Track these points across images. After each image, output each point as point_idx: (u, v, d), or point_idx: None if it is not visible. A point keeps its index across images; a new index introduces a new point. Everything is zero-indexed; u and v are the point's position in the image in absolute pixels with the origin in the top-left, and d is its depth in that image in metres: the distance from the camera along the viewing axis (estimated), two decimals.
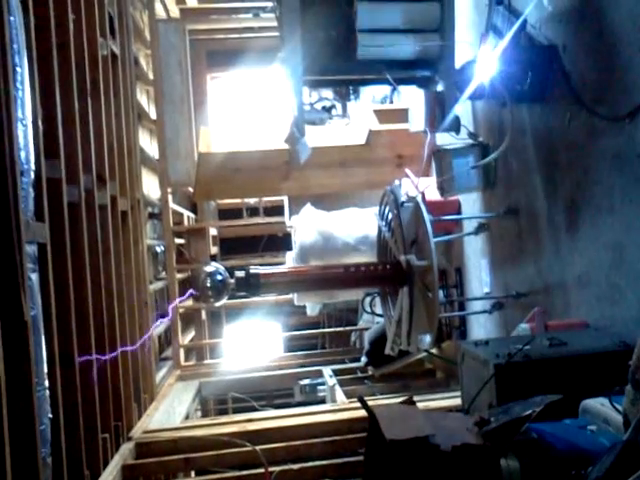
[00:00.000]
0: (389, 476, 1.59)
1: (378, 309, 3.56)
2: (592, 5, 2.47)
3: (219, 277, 2.98)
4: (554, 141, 2.83)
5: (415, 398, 1.90)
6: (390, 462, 1.56)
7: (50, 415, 2.33)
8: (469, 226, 3.85)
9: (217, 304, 3.17)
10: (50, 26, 2.64)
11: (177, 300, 5.06)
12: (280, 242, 6.58)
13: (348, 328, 6.14)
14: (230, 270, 3.09)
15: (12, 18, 2.18)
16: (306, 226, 4.64)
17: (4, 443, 1.92)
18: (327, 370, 4.70)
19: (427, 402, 3.47)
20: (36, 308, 2.27)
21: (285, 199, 5.52)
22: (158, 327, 5.13)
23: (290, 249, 4.87)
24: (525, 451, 1.54)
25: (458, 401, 2.70)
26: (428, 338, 3.14)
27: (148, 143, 6.11)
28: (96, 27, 3.39)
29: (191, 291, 4.77)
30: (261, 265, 3.21)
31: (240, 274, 2.97)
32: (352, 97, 6.75)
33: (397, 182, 3.47)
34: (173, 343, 5.33)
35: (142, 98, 5.90)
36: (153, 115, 5.68)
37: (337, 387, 4.22)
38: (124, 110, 3.97)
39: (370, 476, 1.79)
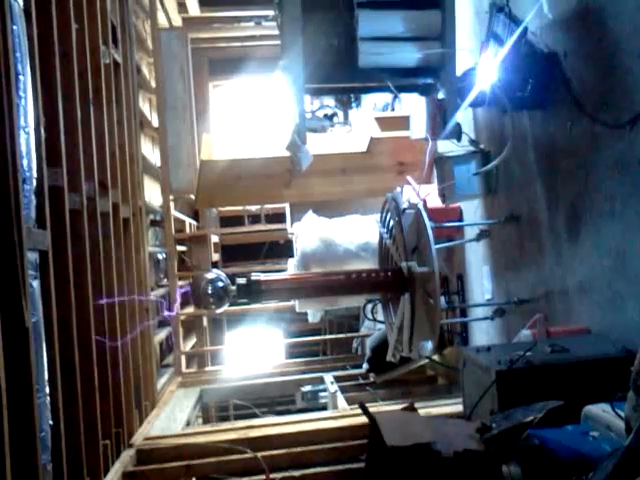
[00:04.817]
0: None
1: (379, 316, 3.55)
2: (592, 12, 2.48)
3: (220, 284, 2.98)
4: (555, 148, 2.83)
5: (416, 405, 1.91)
6: (391, 469, 1.56)
7: (51, 422, 2.33)
8: (471, 233, 3.85)
9: (218, 311, 3.16)
10: (53, 35, 2.66)
11: (177, 304, 5.01)
12: (282, 249, 6.59)
13: (349, 335, 6.13)
14: (231, 277, 3.09)
15: (15, 27, 2.19)
16: (308, 233, 4.64)
17: (4, 449, 1.91)
18: (328, 377, 4.69)
19: (428, 409, 3.45)
20: (37, 315, 2.27)
21: (287, 206, 5.53)
22: (159, 334, 5.13)
23: (292, 256, 4.87)
24: (527, 457, 1.54)
25: (460, 408, 2.70)
26: (430, 345, 3.14)
27: (150, 151, 6.13)
28: (99, 36, 3.40)
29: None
30: (263, 272, 3.21)
31: (241, 281, 2.97)
32: (353, 105, 6.77)
33: (398, 189, 3.47)
34: (174, 350, 5.32)
35: (144, 106, 5.92)
36: (155, 123, 5.69)
37: (339, 394, 4.21)
38: (126, 118, 3.99)
39: None
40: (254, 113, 7.83)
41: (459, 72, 3.13)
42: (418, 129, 3.75)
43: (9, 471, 1.92)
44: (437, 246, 2.89)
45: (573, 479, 1.37)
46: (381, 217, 3.28)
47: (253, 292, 2.98)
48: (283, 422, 3.68)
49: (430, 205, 3.73)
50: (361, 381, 4.73)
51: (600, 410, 1.71)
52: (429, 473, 1.51)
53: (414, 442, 1.53)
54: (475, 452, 1.51)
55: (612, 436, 1.61)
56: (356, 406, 3.59)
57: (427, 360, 4.26)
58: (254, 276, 3.00)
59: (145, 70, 5.95)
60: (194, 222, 6.79)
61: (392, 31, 3.04)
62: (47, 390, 2.30)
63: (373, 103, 6.04)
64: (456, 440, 1.55)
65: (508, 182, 3.36)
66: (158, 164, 5.58)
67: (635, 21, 2.22)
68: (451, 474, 1.50)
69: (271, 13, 4.65)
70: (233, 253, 7.20)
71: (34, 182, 2.32)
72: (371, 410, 1.76)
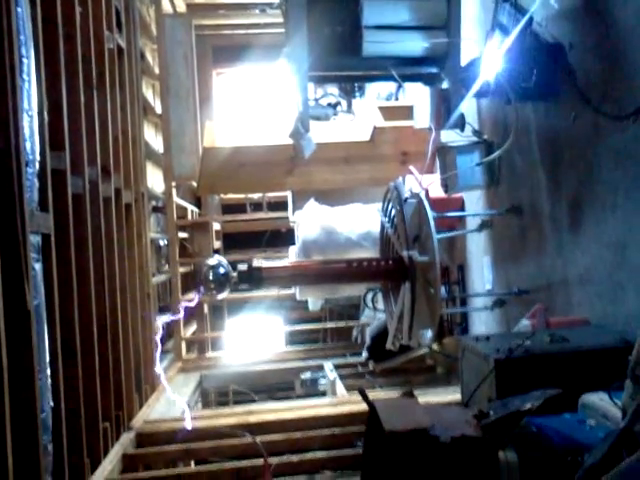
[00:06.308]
0: (388, 467, 1.60)
1: (380, 305, 3.57)
2: (598, 4, 2.47)
3: (222, 270, 2.99)
4: (558, 139, 2.83)
5: (415, 393, 1.91)
6: (389, 453, 1.57)
7: (51, 403, 2.35)
8: (472, 223, 3.85)
9: (219, 297, 3.17)
10: (57, 18, 2.65)
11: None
12: (283, 237, 6.58)
13: (350, 323, 6.15)
14: (233, 264, 3.10)
15: (19, 9, 2.19)
16: (309, 221, 4.65)
17: (5, 430, 1.93)
18: (328, 364, 4.72)
19: (427, 397, 3.47)
20: (39, 298, 2.28)
21: (289, 194, 5.53)
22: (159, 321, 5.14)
23: (293, 244, 4.88)
24: (524, 444, 1.55)
25: (458, 397, 2.71)
26: (429, 334, 3.15)
27: (153, 137, 6.12)
28: (103, 20, 3.40)
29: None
30: (264, 260, 3.22)
31: (243, 267, 2.98)
32: (357, 94, 6.74)
33: (401, 178, 3.47)
34: (175, 336, 5.35)
35: (148, 92, 5.91)
36: (158, 109, 5.68)
37: (338, 381, 4.23)
38: (129, 103, 3.98)
39: (369, 467, 1.80)
40: (257, 101, 7.80)
41: (464, 62, 3.12)
42: (422, 119, 3.74)
43: (10, 451, 1.94)
44: (438, 236, 2.90)
45: (568, 459, 1.38)
46: (383, 206, 3.29)
47: (254, 279, 3.00)
48: (282, 408, 3.71)
49: (432, 195, 3.74)
50: (360, 369, 4.76)
51: (597, 399, 1.72)
52: (426, 458, 1.53)
53: (412, 427, 1.54)
54: (472, 438, 1.52)
55: (609, 425, 1.62)
56: (355, 393, 3.61)
57: (427, 349, 4.28)
58: (255, 263, 3.01)
59: (149, 56, 5.93)
60: (196, 209, 6.79)
61: (397, 20, 3.03)
62: (48, 372, 2.32)
63: (377, 92, 6.02)
64: (454, 426, 1.56)
65: (511, 173, 3.36)
66: (161, 150, 5.57)
67: None
68: (448, 459, 1.51)
69: (276, 0, 4.63)
70: (234, 241, 7.21)
71: (37, 165, 2.33)
72: (370, 396, 1.78)
